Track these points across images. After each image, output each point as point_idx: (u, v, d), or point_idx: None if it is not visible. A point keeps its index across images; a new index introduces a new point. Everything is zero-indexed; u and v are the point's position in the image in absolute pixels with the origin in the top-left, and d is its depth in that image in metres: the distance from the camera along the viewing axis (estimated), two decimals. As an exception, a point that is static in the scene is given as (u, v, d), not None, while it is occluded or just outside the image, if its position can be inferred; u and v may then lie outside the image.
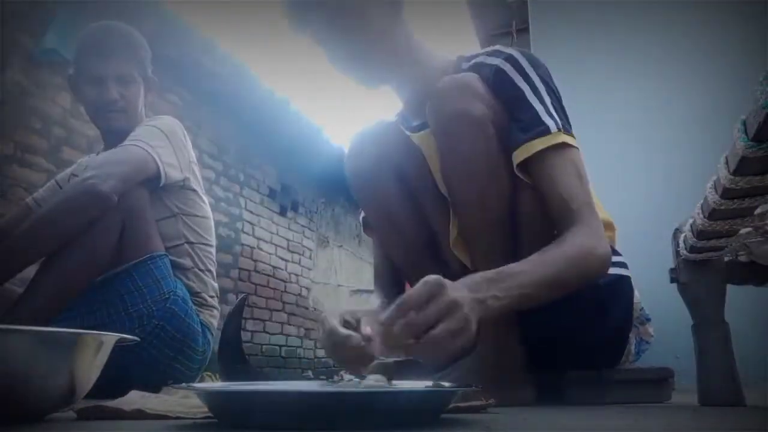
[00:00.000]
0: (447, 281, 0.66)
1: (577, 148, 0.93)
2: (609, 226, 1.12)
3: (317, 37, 1.10)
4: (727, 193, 0.75)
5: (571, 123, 0.97)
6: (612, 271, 0.99)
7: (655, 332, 1.30)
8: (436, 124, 0.97)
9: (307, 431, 0.56)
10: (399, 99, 1.14)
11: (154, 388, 0.98)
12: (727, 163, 0.71)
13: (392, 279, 1.20)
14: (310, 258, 5.51)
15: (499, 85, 0.96)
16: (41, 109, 2.78)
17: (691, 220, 0.97)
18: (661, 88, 2.52)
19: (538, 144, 0.90)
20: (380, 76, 1.11)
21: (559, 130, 0.92)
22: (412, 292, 0.65)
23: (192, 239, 1.52)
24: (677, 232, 1.12)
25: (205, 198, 1.60)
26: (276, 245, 4.95)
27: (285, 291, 4.96)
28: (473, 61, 1.03)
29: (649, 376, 1.14)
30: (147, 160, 1.39)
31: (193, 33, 3.50)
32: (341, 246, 6.19)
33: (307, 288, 5.36)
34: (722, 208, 0.79)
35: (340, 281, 6.01)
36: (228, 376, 0.96)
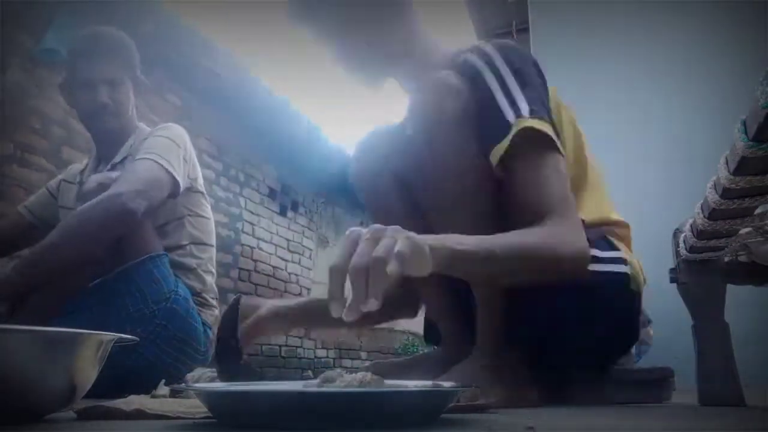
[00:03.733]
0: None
1: (549, 136, 0.89)
2: (622, 225, 1.12)
3: (320, 34, 1.10)
4: (727, 193, 0.75)
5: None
6: (608, 268, 0.99)
7: (655, 332, 1.30)
8: (414, 123, 0.96)
9: (308, 431, 0.56)
10: (405, 90, 1.13)
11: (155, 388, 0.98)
12: (727, 163, 0.71)
13: None
14: (310, 258, 5.51)
15: (472, 81, 0.95)
16: (41, 109, 2.78)
17: (691, 220, 0.97)
18: (661, 88, 2.52)
19: (504, 144, 0.88)
20: (382, 72, 1.11)
21: (519, 117, 0.88)
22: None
23: (196, 240, 1.54)
24: (677, 232, 1.12)
25: (207, 198, 1.62)
26: (276, 245, 4.95)
27: (285, 291, 4.96)
28: (461, 57, 1.01)
29: (650, 376, 1.14)
30: (167, 178, 1.42)
31: (193, 33, 3.50)
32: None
33: (307, 288, 5.36)
34: (722, 208, 0.79)
35: (340, 281, 6.00)
36: (226, 377, 0.96)
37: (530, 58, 1.00)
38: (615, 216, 1.12)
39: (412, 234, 0.68)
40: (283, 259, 5.04)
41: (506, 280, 0.94)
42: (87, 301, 1.30)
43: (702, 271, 1.07)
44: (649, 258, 1.59)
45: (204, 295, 1.51)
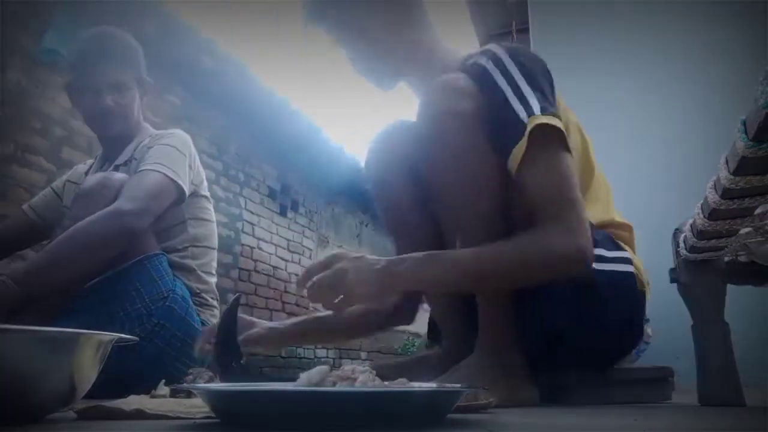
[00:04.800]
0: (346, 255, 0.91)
1: (559, 128, 0.90)
2: (626, 227, 1.13)
3: (334, 36, 1.12)
4: (727, 193, 0.75)
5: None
6: (615, 267, 0.99)
7: (655, 332, 1.30)
8: (423, 124, 0.98)
9: (312, 431, 0.56)
10: (416, 95, 1.13)
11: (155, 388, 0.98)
12: (727, 163, 0.71)
13: None
14: (310, 258, 5.50)
15: (484, 84, 0.96)
16: (41, 109, 2.78)
17: (691, 220, 0.97)
18: (661, 88, 2.52)
19: (522, 145, 0.89)
20: (396, 74, 1.13)
21: (530, 116, 0.89)
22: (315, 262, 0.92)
23: (198, 243, 1.54)
24: (677, 232, 1.12)
25: (211, 201, 1.62)
26: (276, 245, 4.95)
27: (285, 291, 4.96)
28: (470, 61, 1.03)
29: (650, 375, 1.14)
30: (173, 188, 1.43)
31: (193, 33, 3.50)
32: (341, 246, 6.19)
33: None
34: (722, 208, 0.78)
35: (340, 281, 6.00)
36: (226, 376, 0.96)
37: (538, 59, 1.01)
38: (619, 219, 1.13)
39: (373, 266, 0.88)
40: (283, 259, 5.04)
41: (490, 288, 0.99)
42: (85, 302, 1.30)
43: (702, 271, 1.07)
44: (649, 258, 1.59)
45: (203, 295, 1.51)
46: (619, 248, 1.04)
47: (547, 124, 0.89)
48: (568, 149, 0.92)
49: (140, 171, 1.41)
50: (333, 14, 1.09)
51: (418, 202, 1.11)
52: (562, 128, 0.90)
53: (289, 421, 0.55)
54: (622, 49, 2.65)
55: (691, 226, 0.97)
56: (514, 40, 3.81)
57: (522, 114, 0.90)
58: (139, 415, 0.69)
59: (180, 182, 1.44)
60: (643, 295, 1.05)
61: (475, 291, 0.99)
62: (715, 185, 0.77)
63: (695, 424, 0.73)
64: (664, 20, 2.59)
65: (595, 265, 0.95)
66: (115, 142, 1.56)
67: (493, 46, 1.01)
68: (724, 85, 2.31)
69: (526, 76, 0.94)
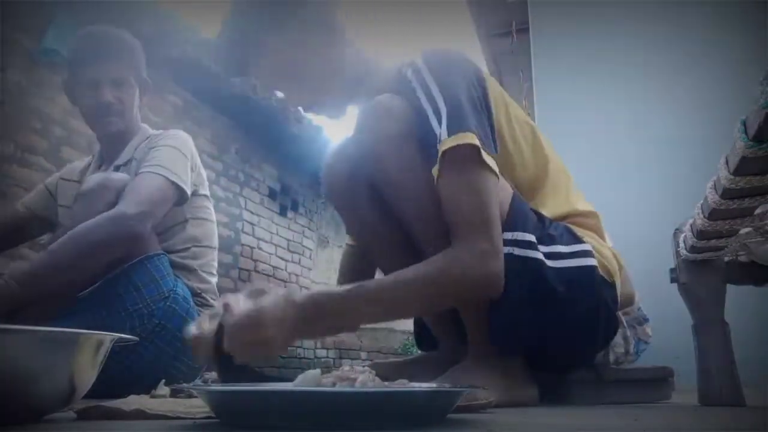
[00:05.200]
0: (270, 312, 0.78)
1: (475, 145, 0.88)
2: (590, 215, 1.11)
3: (270, 83, 1.14)
4: (727, 193, 0.75)
5: (572, 124, 0.96)
6: (574, 263, 0.98)
7: (655, 332, 1.30)
8: (359, 149, 0.98)
9: (312, 431, 0.56)
10: None
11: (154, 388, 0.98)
12: (727, 163, 0.71)
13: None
14: (310, 258, 5.51)
15: (411, 100, 0.96)
16: (41, 109, 2.78)
17: (691, 220, 0.97)
18: (662, 88, 2.52)
19: (435, 172, 0.90)
20: (341, 105, 1.14)
21: (440, 141, 0.89)
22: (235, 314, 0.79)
23: (199, 243, 1.54)
24: (677, 232, 1.12)
25: (211, 201, 1.62)
26: (276, 245, 4.95)
27: (285, 291, 4.96)
28: (401, 72, 1.03)
29: (649, 375, 1.14)
30: (175, 191, 1.44)
31: (193, 33, 3.50)
32: (341, 246, 6.19)
33: (307, 288, 5.36)
34: (722, 208, 0.79)
35: (340, 281, 6.01)
36: (225, 377, 0.96)
37: (457, 64, 0.99)
38: (582, 207, 1.11)
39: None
40: (283, 259, 5.04)
41: (412, 315, 1.02)
42: (86, 302, 1.30)
43: (702, 271, 1.07)
44: (649, 258, 1.59)
45: (205, 295, 1.51)
46: (579, 240, 1.01)
47: (459, 145, 0.88)
48: (485, 165, 0.89)
49: (142, 173, 1.41)
50: (262, 61, 1.09)
51: (381, 214, 1.08)
52: (477, 143, 0.88)
53: (289, 421, 0.55)
54: (621, 48, 2.65)
55: (691, 226, 0.97)
56: (514, 40, 3.81)
57: (438, 134, 0.90)
58: (139, 415, 0.69)
59: (181, 184, 1.44)
60: (611, 284, 1.02)
61: (397, 318, 0.99)
62: (715, 185, 0.77)
63: (695, 424, 0.73)
64: (665, 20, 2.60)
65: (552, 263, 0.95)
66: (113, 141, 1.56)
67: (417, 57, 1.01)
68: (724, 85, 2.31)
69: (443, 89, 0.94)
